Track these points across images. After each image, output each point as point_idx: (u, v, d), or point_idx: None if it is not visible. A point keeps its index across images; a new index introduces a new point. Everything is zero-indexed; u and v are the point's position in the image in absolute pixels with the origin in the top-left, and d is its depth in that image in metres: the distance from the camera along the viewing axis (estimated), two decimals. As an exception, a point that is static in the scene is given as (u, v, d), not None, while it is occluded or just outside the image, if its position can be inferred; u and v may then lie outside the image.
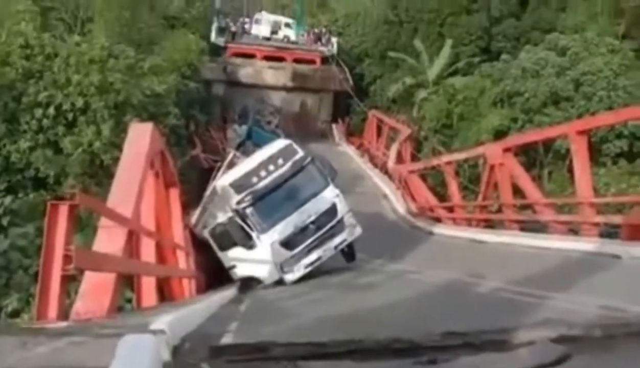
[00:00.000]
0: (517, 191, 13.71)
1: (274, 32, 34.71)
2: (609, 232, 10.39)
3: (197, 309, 5.99)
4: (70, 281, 5.01)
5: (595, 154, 16.78)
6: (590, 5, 28.42)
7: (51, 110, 15.63)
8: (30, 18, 19.53)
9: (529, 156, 20.50)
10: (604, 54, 22.63)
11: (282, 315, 7.31)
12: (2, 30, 16.65)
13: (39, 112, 15.58)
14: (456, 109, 25.87)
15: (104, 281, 5.09)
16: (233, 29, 34.55)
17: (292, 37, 34.77)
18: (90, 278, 5.04)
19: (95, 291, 4.97)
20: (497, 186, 14.12)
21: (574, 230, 11.53)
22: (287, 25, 35.40)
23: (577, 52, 22.85)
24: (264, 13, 37.11)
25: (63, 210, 4.45)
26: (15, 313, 11.92)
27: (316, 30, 35.77)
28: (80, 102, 15.78)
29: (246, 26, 35.40)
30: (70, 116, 15.85)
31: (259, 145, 18.06)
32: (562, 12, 30.35)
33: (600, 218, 10.76)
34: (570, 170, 12.41)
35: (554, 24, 28.95)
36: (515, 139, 16.84)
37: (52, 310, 4.38)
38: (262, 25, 35.10)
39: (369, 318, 5.76)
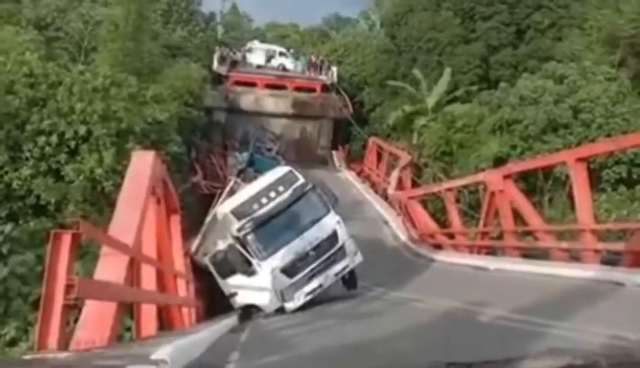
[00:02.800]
0: (518, 217, 13.71)
1: (268, 60, 35.39)
2: (611, 259, 10.36)
3: (197, 339, 5.94)
4: (71, 309, 4.98)
5: (594, 180, 16.86)
6: (586, 35, 28.92)
7: (54, 138, 15.75)
8: (35, 48, 19.86)
9: (529, 182, 20.56)
10: (601, 82, 22.95)
11: (282, 346, 7.23)
12: (7, 60, 16.90)
13: (41, 139, 15.69)
14: (455, 136, 26.06)
15: (105, 310, 5.06)
16: (235, 58, 35.10)
17: (288, 65, 35.34)
18: (91, 307, 5.02)
19: (96, 320, 4.95)
20: (498, 213, 14.12)
21: (575, 257, 11.49)
22: (282, 53, 36.10)
23: (575, 80, 23.17)
24: (256, 42, 37.92)
25: (66, 239, 4.45)
26: (13, 342, 11.79)
27: (315, 59, 36.32)
28: (82, 130, 15.91)
29: (248, 55, 35.99)
30: (72, 144, 15.97)
31: (260, 171, 18.15)
32: (559, 41, 30.85)
33: (601, 245, 10.74)
34: (571, 196, 12.43)
35: (550, 53, 29.40)
36: (515, 166, 16.92)
37: (53, 339, 4.34)
38: (255, 54, 35.75)
39: (371, 348, 5.71)
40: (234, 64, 34.55)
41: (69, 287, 4.14)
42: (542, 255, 12.54)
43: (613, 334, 4.73)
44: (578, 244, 11.44)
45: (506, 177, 13.98)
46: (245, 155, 27.24)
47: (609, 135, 20.30)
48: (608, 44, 26.83)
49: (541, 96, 22.99)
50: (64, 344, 4.59)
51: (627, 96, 22.81)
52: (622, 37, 25.87)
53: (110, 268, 5.50)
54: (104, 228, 6.60)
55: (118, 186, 10.35)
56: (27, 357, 5.01)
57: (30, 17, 26.64)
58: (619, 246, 10.71)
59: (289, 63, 35.59)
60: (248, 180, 17.98)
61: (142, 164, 8.50)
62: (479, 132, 25.37)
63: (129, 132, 16.58)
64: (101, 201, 15.28)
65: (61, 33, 26.36)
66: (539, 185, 21.40)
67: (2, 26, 22.75)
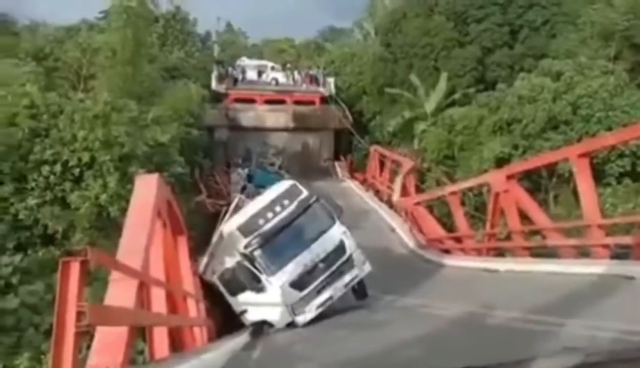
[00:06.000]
0: (524, 217, 13.67)
1: (259, 75, 35.73)
2: (619, 253, 10.31)
3: (211, 358, 5.95)
4: (83, 335, 5.00)
5: (599, 174, 16.82)
6: (580, 30, 29.03)
7: (58, 167, 15.86)
8: (35, 79, 20.07)
9: (533, 181, 20.52)
10: (598, 76, 22.98)
11: (296, 360, 7.22)
12: (8, 92, 17.07)
13: (45, 169, 15.80)
14: (456, 139, 26.10)
15: (117, 335, 5.07)
16: (235, 75, 35.37)
17: (281, 79, 35.57)
18: (103, 333, 5.02)
19: (108, 346, 4.95)
20: (504, 213, 14.09)
21: (584, 253, 11.44)
22: (273, 68, 36.43)
23: (572, 76, 23.22)
24: (244, 58, 38.24)
25: (74, 266, 4.48)
26: (27, 373, 11.78)
27: (312, 72, 36.52)
28: (86, 157, 16.02)
29: (247, 73, 36.22)
30: (76, 171, 16.07)
31: (263, 186, 18.17)
32: (553, 38, 30.96)
33: (610, 240, 10.70)
34: (576, 192, 12.40)
35: (545, 51, 29.51)
36: (517, 165, 16.91)
37: (67, 367, 4.36)
38: (246, 70, 36.08)
39: (384, 358, 5.69)
40: (235, 81, 34.86)
41: (79, 314, 4.16)
42: (551, 253, 12.49)
43: (626, 329, 4.71)
44: (586, 240, 11.39)
45: (510, 177, 13.95)
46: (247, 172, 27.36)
47: (609, 129, 20.28)
48: (602, 38, 26.92)
49: (539, 94, 23.03)
50: (78, 372, 4.60)
51: (625, 89, 22.83)
52: (617, 30, 25.96)
53: (120, 292, 5.52)
54: (111, 254, 6.64)
55: (124, 211, 10.38)
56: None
57: (28, 49, 26.98)
58: (628, 240, 10.66)
59: (281, 77, 35.88)
60: (250, 196, 18.02)
61: (147, 187, 8.54)
62: (480, 133, 25.40)
63: (132, 156, 16.67)
64: (108, 226, 15.32)
65: (60, 63, 26.65)
66: (543, 183, 21.37)
67: (2, 59, 23.05)
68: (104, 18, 33.21)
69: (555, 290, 8.50)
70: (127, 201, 8.87)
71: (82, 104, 17.52)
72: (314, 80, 35.49)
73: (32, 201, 15.55)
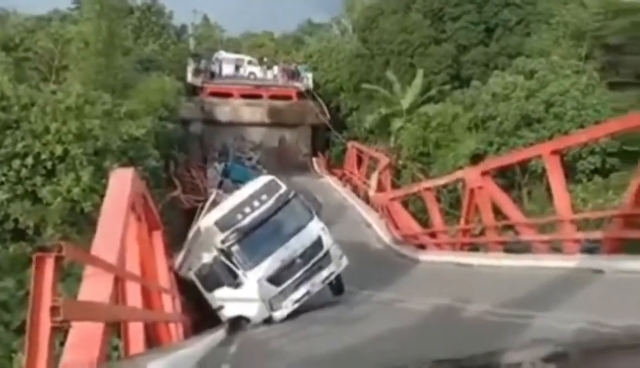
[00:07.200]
0: (498, 213, 13.92)
1: (236, 69, 35.42)
2: (591, 248, 10.60)
3: (187, 354, 5.92)
4: (58, 332, 4.92)
5: (570, 171, 17.23)
6: (553, 30, 29.61)
7: (29, 160, 15.49)
8: (5, 69, 19.54)
9: (507, 178, 20.87)
10: (570, 76, 23.46)
11: (273, 355, 7.24)
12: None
13: (16, 162, 15.42)
14: (431, 136, 26.35)
15: (92, 331, 5.00)
16: (212, 69, 34.98)
17: (258, 74, 35.37)
18: (77, 329, 4.94)
19: (83, 342, 4.88)
20: (478, 209, 14.33)
21: (556, 248, 11.72)
22: (250, 62, 36.18)
23: (545, 75, 23.64)
24: (222, 52, 37.89)
25: (49, 262, 4.40)
26: (-3, 371, 11.52)
27: (289, 67, 36.39)
28: (58, 150, 15.68)
29: (224, 67, 35.84)
30: (49, 165, 15.72)
31: (240, 181, 18.06)
32: (527, 37, 31.50)
33: (581, 235, 10.98)
34: (549, 189, 12.68)
35: (520, 49, 29.99)
36: (492, 162, 17.18)
37: (42, 364, 4.28)
38: (223, 64, 35.73)
39: (359, 352, 5.76)
40: (212, 75, 34.49)
41: (54, 309, 4.09)
42: (524, 248, 12.76)
43: (595, 320, 4.86)
44: (558, 235, 11.66)
45: (484, 173, 14.18)
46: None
47: (581, 127, 20.75)
48: (575, 38, 27.49)
49: (512, 92, 23.39)
50: (52, 368, 4.52)
51: (596, 88, 23.36)
52: (588, 30, 26.54)
53: (95, 288, 5.44)
54: (85, 249, 6.54)
55: (97, 206, 10.22)
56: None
57: (-3, 39, 26.25)
58: (598, 234, 10.96)
59: (258, 71, 35.66)
60: (227, 191, 17.89)
61: (122, 182, 8.42)
62: (455, 130, 25.69)
63: (106, 150, 16.39)
64: (81, 222, 15.04)
65: (30, 53, 25.98)
66: (516, 180, 21.76)
67: (-31, 49, 22.36)
68: (77, 9, 32.52)
69: (527, 284, 8.71)
70: (101, 196, 8.75)
71: (54, 95, 17.13)
72: (292, 75, 35.37)
73: (2, 195, 15.17)
